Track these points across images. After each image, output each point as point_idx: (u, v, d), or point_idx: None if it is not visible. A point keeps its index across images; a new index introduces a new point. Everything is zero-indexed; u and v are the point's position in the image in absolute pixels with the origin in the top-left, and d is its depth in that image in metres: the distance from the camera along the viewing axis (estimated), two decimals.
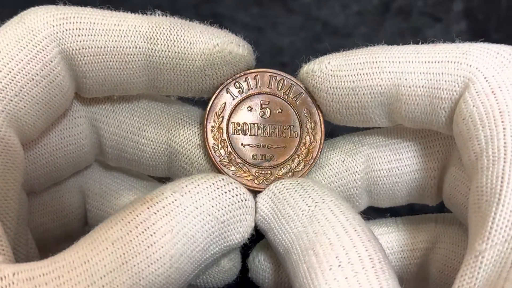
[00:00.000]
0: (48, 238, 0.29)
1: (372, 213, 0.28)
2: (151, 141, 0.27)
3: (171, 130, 0.27)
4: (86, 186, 0.30)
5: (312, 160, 0.26)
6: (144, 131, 0.27)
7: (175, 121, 0.27)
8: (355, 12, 0.45)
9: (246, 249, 0.27)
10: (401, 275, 0.28)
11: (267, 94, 0.26)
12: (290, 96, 0.26)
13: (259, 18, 0.44)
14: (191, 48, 0.24)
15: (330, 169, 0.27)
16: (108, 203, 0.30)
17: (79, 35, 0.23)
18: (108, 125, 0.27)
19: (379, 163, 0.26)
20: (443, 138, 0.25)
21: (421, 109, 0.23)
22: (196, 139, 0.27)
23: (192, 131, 0.27)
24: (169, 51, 0.24)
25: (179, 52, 0.24)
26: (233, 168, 0.26)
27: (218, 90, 0.26)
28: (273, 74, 0.26)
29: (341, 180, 0.27)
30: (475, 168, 0.20)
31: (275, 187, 0.25)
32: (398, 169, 0.26)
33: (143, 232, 0.20)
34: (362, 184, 0.27)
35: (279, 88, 0.26)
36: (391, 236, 0.28)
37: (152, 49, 0.24)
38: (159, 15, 0.25)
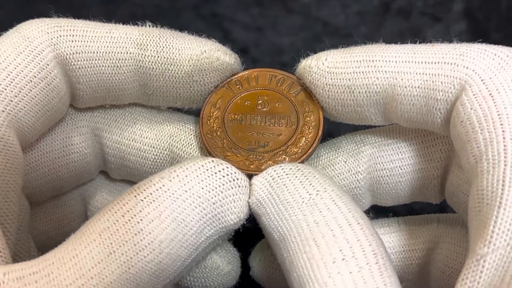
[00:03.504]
0: (51, 246, 0.28)
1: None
2: (153, 147, 0.27)
3: (173, 136, 0.27)
4: (88, 193, 0.30)
5: (309, 148, 0.25)
6: (146, 137, 0.27)
7: (176, 127, 0.27)
8: (355, 12, 0.45)
9: (245, 255, 0.27)
10: (402, 275, 0.27)
11: (267, 90, 0.26)
12: (290, 91, 0.26)
13: (259, 18, 0.44)
14: (179, 54, 0.25)
15: (332, 169, 0.26)
16: None
17: (72, 41, 0.24)
18: (111, 133, 0.28)
19: (382, 162, 0.26)
20: (445, 137, 0.25)
21: (416, 110, 0.23)
22: (197, 143, 0.27)
23: (193, 135, 0.27)
24: (158, 57, 0.25)
25: (167, 58, 0.25)
26: (226, 153, 0.26)
27: (218, 86, 0.26)
28: (274, 74, 0.27)
29: (344, 180, 0.26)
30: (474, 172, 0.20)
31: (274, 171, 0.24)
32: (401, 169, 0.26)
33: (129, 220, 0.20)
34: (365, 184, 0.26)
35: (279, 85, 0.26)
36: (393, 236, 0.28)
37: (142, 54, 0.25)
38: (149, 26, 0.26)
